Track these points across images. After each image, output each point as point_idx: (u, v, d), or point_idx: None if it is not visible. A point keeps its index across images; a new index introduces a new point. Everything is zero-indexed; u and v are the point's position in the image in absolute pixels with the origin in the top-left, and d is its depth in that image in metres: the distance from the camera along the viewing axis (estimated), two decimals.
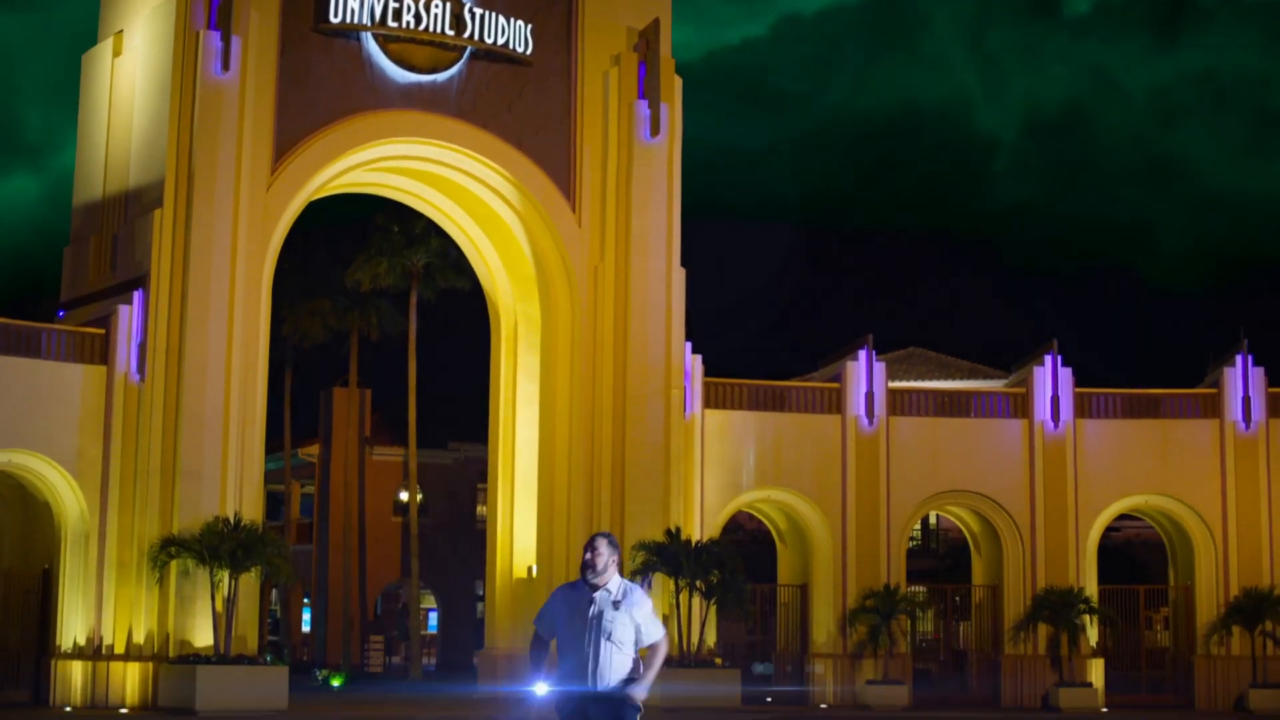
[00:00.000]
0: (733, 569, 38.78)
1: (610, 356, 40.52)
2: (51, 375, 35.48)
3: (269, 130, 37.56)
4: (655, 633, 11.90)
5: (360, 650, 58.90)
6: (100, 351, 35.96)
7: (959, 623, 49.44)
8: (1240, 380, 43.97)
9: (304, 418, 63.57)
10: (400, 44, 39.27)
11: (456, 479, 63.93)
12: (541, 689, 11.84)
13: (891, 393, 43.70)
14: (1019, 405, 44.14)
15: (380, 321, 57.47)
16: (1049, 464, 43.57)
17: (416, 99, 39.50)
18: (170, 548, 34.57)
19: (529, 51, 40.56)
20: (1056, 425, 43.66)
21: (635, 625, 11.73)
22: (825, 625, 42.71)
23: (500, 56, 40.30)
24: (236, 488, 35.90)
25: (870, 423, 42.91)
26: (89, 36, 40.96)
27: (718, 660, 39.59)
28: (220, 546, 34.37)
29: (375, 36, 39.00)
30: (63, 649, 35.66)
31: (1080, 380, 44.43)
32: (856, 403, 42.93)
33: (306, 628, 65.26)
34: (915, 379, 63.94)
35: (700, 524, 41.08)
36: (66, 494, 35.81)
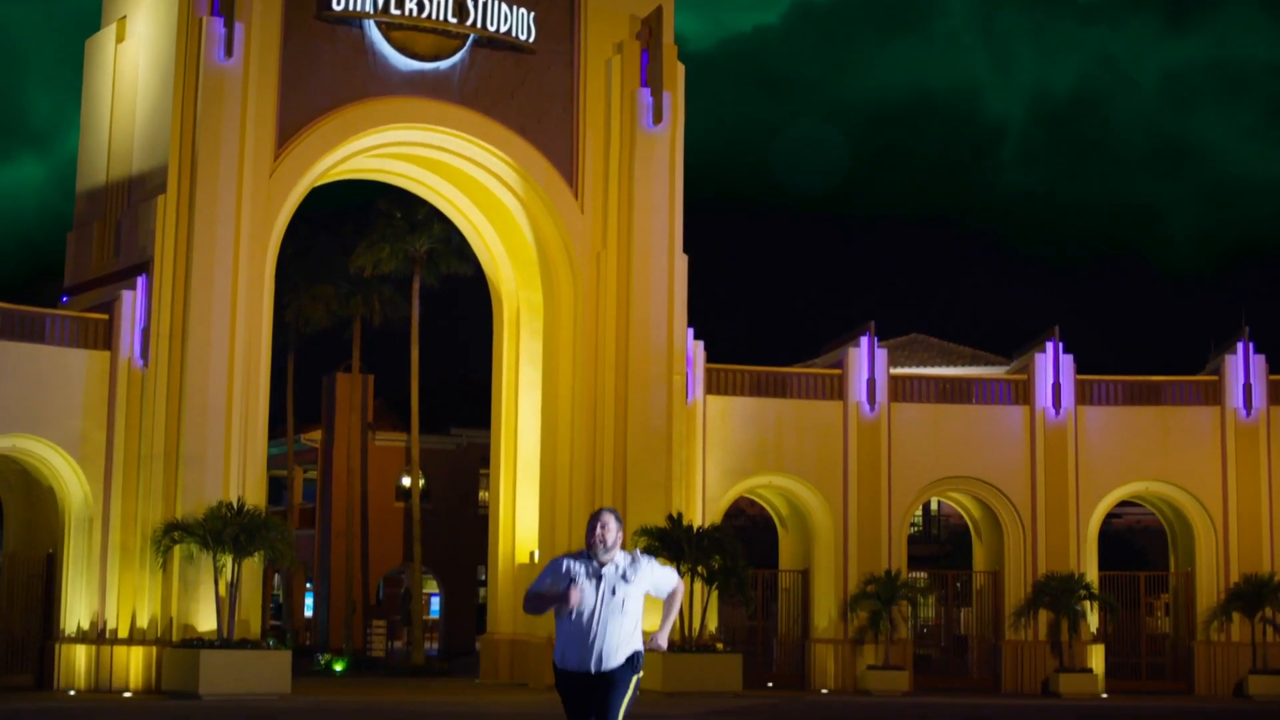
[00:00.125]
0: (734, 554, 38.81)
1: (612, 342, 40.56)
2: (55, 360, 35.55)
3: (272, 117, 37.60)
4: (670, 580, 11.97)
5: (363, 635, 59.05)
6: (104, 337, 36.04)
7: (960, 608, 49.50)
8: (1241, 367, 44.03)
9: (307, 403, 63.66)
10: (403, 31, 39.29)
11: (459, 464, 64.00)
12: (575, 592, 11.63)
13: (893, 379, 43.78)
14: (1020, 392, 44.20)
15: (383, 307, 57.45)
16: (1050, 450, 43.65)
17: (419, 86, 39.52)
18: (174, 532, 34.70)
19: (532, 39, 40.59)
20: (1058, 412, 43.74)
21: (650, 586, 11.78)
22: (827, 611, 42.82)
23: (503, 44, 40.33)
24: (240, 473, 35.99)
25: (872, 409, 42.99)
26: (93, 22, 41.03)
27: (719, 645, 39.70)
28: (223, 531, 34.46)
29: (378, 24, 39.03)
30: (66, 633, 35.78)
31: (1083, 367, 44.51)
32: (858, 389, 43.00)
33: (309, 612, 65.38)
34: (917, 365, 64.07)
35: (702, 509, 41.18)
36: (70, 479, 35.91)
